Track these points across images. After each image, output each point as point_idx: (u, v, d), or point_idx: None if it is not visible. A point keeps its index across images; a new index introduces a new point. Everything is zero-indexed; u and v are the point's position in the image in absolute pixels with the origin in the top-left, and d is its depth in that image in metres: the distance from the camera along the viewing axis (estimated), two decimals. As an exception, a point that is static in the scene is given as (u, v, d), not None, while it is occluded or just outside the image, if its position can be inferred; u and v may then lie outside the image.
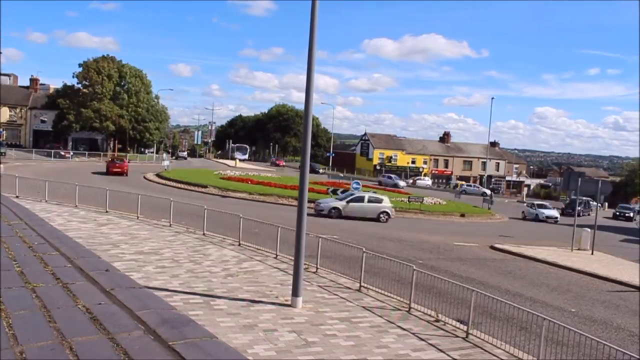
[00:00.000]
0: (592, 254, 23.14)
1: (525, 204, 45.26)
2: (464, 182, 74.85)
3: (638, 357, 8.40)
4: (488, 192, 55.72)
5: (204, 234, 17.79)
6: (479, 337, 10.12)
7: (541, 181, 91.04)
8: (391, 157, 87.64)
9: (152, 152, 74.38)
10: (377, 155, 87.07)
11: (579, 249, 23.78)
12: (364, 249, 13.23)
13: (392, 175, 67.61)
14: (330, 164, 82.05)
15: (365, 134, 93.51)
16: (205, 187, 36.62)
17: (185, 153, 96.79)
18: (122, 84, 67.18)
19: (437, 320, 10.90)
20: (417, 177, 77.45)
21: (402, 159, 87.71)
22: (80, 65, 63.29)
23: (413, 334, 10.02)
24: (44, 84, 74.55)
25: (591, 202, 41.03)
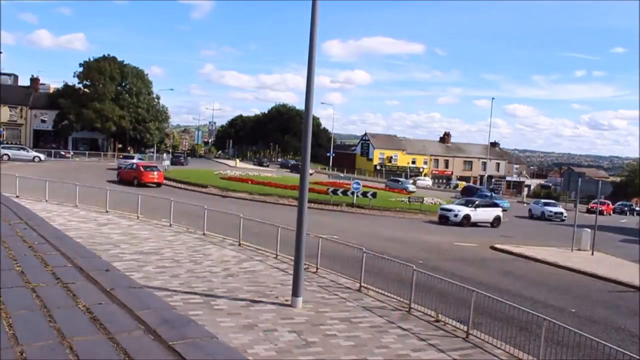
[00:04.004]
0: (592, 254, 23.13)
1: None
2: (464, 183, 74.86)
3: (638, 357, 8.40)
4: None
5: (204, 234, 17.79)
6: (479, 338, 10.12)
7: (541, 181, 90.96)
8: (391, 157, 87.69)
9: (153, 152, 74.35)
10: (377, 156, 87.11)
11: (579, 249, 23.77)
12: (364, 249, 13.23)
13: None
14: (331, 164, 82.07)
15: (365, 134, 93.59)
16: (206, 187, 36.64)
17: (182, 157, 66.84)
18: (124, 84, 67.14)
19: (437, 321, 10.90)
20: (417, 178, 77.45)
21: (403, 159, 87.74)
22: (81, 65, 63.31)
23: (413, 334, 10.02)
24: (44, 84, 74.56)
25: None
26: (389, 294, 12.40)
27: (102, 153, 64.02)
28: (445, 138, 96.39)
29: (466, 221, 29.37)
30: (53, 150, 57.56)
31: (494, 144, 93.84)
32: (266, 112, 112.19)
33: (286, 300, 11.10)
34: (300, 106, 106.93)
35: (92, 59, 64.02)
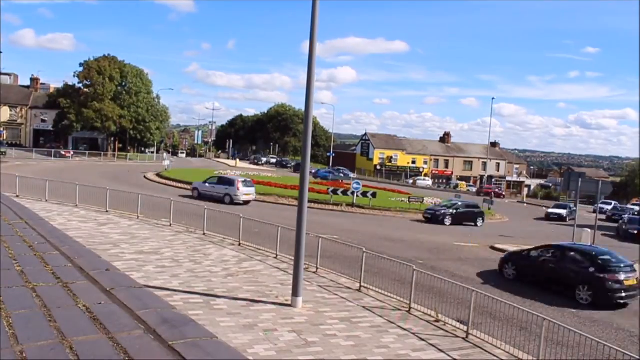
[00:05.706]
0: (592, 254, 23.10)
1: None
2: (464, 183, 74.92)
3: (638, 357, 8.40)
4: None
5: (204, 234, 17.79)
6: (479, 337, 10.12)
7: (541, 181, 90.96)
8: (391, 157, 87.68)
9: (153, 152, 74.33)
10: (377, 155, 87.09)
11: (579, 250, 23.73)
12: (364, 249, 13.23)
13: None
14: (331, 164, 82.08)
15: (365, 134, 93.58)
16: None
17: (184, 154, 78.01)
18: (124, 84, 67.08)
19: (437, 321, 10.90)
20: (417, 178, 77.46)
21: (403, 159, 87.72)
22: (81, 64, 63.22)
23: (413, 334, 10.02)
24: (44, 84, 74.59)
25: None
26: (389, 294, 12.40)
27: (102, 153, 64.06)
28: (445, 138, 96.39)
29: None
30: (53, 150, 57.55)
31: (494, 144, 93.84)
32: (265, 111, 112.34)
33: (286, 300, 11.10)
34: (290, 104, 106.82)
35: (92, 59, 63.90)
